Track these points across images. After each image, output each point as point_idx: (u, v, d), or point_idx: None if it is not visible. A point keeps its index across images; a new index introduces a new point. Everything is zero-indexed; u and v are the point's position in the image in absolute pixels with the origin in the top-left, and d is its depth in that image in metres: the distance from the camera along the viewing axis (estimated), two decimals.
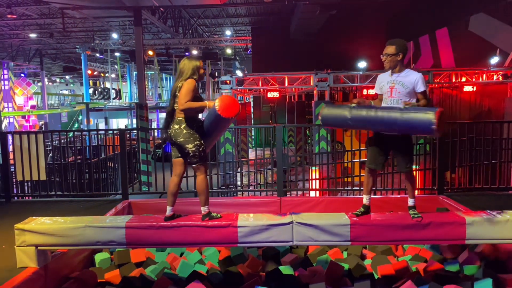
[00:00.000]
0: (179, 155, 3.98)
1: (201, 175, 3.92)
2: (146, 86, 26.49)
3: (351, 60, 16.11)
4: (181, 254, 5.08)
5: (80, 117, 32.61)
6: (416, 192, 7.15)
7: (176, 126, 3.87)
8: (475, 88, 11.22)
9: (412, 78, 3.76)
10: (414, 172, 4.26)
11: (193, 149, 3.83)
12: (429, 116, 3.36)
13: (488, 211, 3.95)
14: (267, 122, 20.05)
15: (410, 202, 3.92)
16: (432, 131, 3.40)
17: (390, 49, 3.78)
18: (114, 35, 22.57)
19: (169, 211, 3.96)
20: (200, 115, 4.06)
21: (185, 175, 4.07)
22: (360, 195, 4.09)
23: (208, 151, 4.08)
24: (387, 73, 3.92)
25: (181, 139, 3.84)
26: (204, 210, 3.94)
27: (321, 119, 3.99)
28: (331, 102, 4.48)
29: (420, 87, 3.75)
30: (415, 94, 3.81)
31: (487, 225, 3.72)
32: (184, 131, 3.84)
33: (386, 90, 3.89)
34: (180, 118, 3.86)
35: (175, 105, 3.87)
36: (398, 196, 6.26)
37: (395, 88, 3.81)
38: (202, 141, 3.88)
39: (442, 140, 6.11)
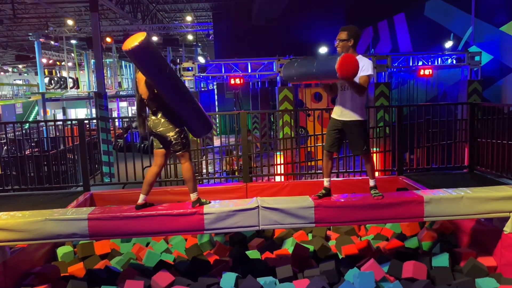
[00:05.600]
0: (161, 146, 3.89)
1: (186, 162, 3.87)
2: (105, 75, 25.71)
3: (312, 45, 16.22)
4: (147, 244, 5.02)
5: (34, 112, 31.26)
6: (377, 173, 7.39)
7: (153, 117, 3.78)
8: (431, 72, 11.56)
9: (360, 64, 3.69)
10: (374, 154, 4.37)
11: (175, 136, 3.77)
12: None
13: (444, 189, 4.13)
14: (231, 109, 20.00)
15: (371, 182, 4.06)
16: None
17: (342, 35, 3.83)
18: (69, 22, 21.65)
19: (141, 199, 3.89)
20: None
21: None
22: (323, 178, 4.17)
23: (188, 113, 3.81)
24: None
25: (161, 128, 3.76)
26: (193, 196, 3.91)
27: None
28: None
29: (360, 71, 3.68)
30: None
31: (444, 203, 3.89)
32: (162, 120, 3.75)
33: None
34: (155, 108, 3.77)
35: (142, 96, 3.77)
36: (360, 177, 6.43)
37: None
38: (182, 128, 3.82)
39: (400, 123, 6.30)
